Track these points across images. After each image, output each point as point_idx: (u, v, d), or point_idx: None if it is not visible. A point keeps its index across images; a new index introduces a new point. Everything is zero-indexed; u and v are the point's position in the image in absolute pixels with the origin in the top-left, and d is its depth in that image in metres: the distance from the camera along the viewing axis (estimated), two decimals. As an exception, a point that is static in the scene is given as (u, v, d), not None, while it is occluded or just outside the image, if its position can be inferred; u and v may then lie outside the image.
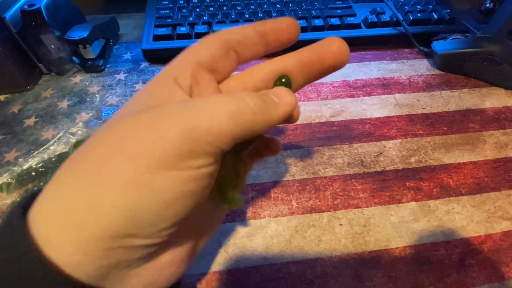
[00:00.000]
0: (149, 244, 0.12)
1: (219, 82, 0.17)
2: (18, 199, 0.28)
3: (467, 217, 0.27)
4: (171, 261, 0.15)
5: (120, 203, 0.11)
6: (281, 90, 0.15)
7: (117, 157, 0.11)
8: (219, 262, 0.25)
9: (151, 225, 0.12)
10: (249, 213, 0.28)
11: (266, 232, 0.26)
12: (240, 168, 0.18)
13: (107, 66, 0.42)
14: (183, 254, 0.16)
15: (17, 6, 0.36)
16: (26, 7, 0.35)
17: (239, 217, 0.27)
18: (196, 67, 0.15)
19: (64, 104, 0.37)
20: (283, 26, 0.17)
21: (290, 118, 0.16)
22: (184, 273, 0.17)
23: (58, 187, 0.12)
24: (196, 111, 0.12)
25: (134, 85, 0.40)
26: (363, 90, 0.39)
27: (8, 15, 0.35)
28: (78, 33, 0.38)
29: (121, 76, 0.41)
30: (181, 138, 0.11)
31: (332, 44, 0.16)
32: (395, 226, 0.27)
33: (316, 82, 0.40)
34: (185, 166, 0.12)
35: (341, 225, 0.27)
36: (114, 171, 0.11)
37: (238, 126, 0.13)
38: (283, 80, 0.17)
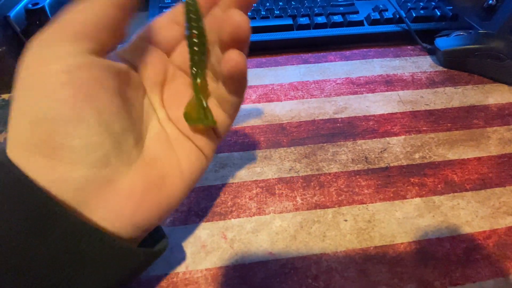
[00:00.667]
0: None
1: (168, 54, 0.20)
2: None
3: (472, 213, 0.27)
4: (130, 188, 0.15)
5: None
6: None
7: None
8: (224, 257, 0.25)
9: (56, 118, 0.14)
10: (254, 209, 0.28)
11: (271, 228, 0.27)
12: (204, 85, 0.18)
13: (111, 64, 0.42)
14: (144, 183, 0.16)
15: (21, 5, 0.37)
16: (31, 6, 0.36)
17: (244, 213, 0.27)
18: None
19: (68, 102, 0.38)
20: None
21: None
22: (160, 220, 0.17)
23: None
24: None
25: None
26: (366, 87, 0.39)
27: (13, 14, 0.35)
28: (81, 32, 0.38)
29: (125, 74, 0.41)
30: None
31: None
32: (400, 222, 0.27)
33: (319, 79, 0.40)
34: (53, 58, 0.15)
35: (346, 220, 0.27)
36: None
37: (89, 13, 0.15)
38: None
